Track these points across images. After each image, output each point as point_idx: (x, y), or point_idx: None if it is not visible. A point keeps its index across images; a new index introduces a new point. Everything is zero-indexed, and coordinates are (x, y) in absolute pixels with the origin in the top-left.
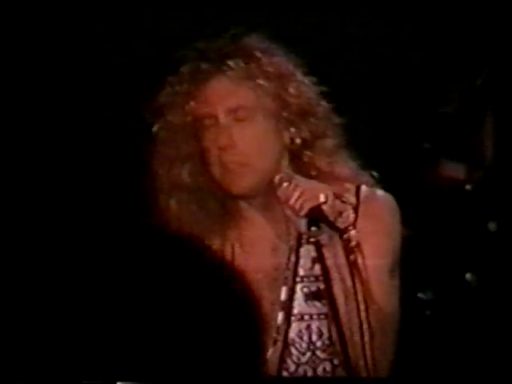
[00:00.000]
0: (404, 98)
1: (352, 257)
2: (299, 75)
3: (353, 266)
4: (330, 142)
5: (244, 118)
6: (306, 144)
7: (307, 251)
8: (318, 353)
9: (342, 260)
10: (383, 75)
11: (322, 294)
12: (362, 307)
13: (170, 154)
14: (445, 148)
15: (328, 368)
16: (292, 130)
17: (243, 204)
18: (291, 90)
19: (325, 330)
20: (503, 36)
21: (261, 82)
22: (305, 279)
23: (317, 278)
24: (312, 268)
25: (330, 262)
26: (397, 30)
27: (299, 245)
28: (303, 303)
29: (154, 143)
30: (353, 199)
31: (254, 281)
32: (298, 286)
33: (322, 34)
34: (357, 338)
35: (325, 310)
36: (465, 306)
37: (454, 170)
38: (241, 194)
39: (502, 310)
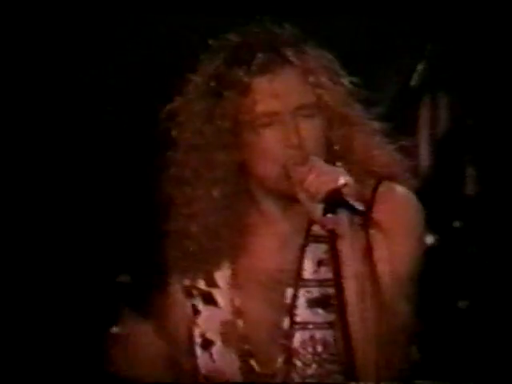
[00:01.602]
0: None
1: (369, 252)
2: (339, 71)
3: (370, 262)
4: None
5: (308, 115)
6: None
7: (313, 252)
8: (326, 365)
9: (359, 254)
10: None
11: (327, 301)
12: (374, 311)
13: (196, 171)
14: None
15: (340, 381)
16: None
17: (267, 204)
18: (335, 89)
19: (331, 340)
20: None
21: (319, 77)
22: (308, 283)
23: (321, 283)
24: (317, 271)
25: (344, 257)
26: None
27: (306, 243)
28: (306, 310)
29: (172, 157)
30: (368, 195)
31: (257, 282)
32: (301, 291)
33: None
34: (366, 344)
35: (330, 318)
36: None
37: None
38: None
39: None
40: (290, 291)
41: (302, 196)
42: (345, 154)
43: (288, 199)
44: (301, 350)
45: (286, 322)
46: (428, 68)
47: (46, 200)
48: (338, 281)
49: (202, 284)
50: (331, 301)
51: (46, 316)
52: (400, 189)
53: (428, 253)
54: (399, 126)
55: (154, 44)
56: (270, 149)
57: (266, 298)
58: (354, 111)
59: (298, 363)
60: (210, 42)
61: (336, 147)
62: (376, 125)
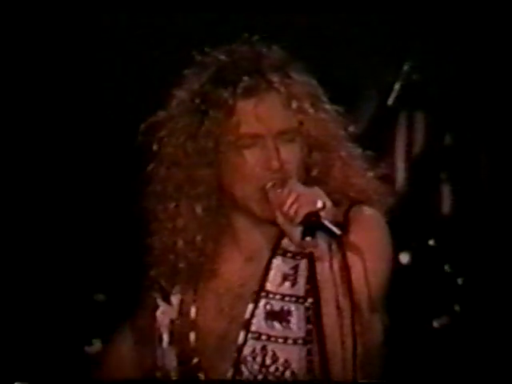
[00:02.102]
0: None
1: (347, 273)
2: (322, 97)
3: (348, 284)
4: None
5: (289, 139)
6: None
7: (279, 266)
8: (271, 378)
9: (338, 276)
10: None
11: (285, 317)
12: (351, 331)
13: (177, 188)
14: None
15: None
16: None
17: (238, 222)
18: (317, 116)
19: (280, 355)
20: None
21: (302, 103)
22: (270, 295)
23: (283, 298)
24: (280, 285)
25: (322, 278)
26: None
27: (273, 255)
28: (262, 321)
29: (153, 174)
30: (340, 217)
31: (217, 296)
32: (262, 302)
33: None
34: (340, 363)
35: (285, 333)
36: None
37: None
38: (272, 218)
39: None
40: (250, 307)
41: (280, 219)
42: (323, 179)
43: (265, 221)
44: (249, 359)
45: (241, 337)
46: (405, 87)
47: (22, 212)
48: (316, 302)
49: (163, 281)
50: (289, 317)
51: (22, 333)
52: (369, 210)
53: (403, 271)
54: (376, 144)
55: (137, 57)
56: (250, 170)
57: (223, 312)
58: (335, 138)
59: (245, 371)
60: (196, 57)
61: (314, 172)
62: (357, 152)
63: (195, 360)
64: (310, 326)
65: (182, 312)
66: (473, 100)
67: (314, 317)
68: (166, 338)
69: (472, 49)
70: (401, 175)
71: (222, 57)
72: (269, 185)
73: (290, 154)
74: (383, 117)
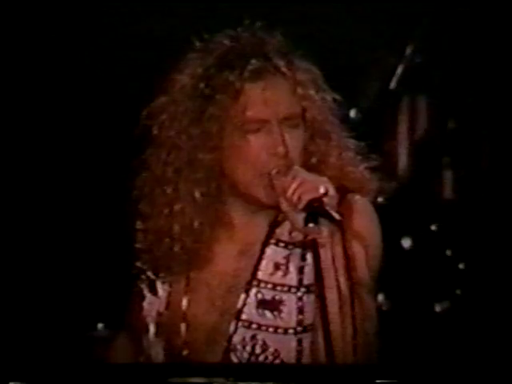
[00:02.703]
0: None
1: (349, 259)
2: (324, 85)
3: (349, 269)
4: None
5: (293, 125)
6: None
7: (272, 254)
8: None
9: (340, 262)
10: None
11: (277, 306)
12: (351, 317)
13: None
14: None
15: None
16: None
17: (234, 210)
18: (319, 103)
19: (270, 344)
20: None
21: (306, 90)
22: (262, 284)
23: (274, 287)
24: (272, 274)
25: (325, 265)
26: None
27: (266, 244)
28: (253, 310)
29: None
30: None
31: (208, 287)
32: (253, 291)
33: None
34: (341, 349)
35: (276, 322)
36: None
37: None
38: (276, 204)
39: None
40: (242, 297)
41: (284, 205)
42: (320, 168)
43: (268, 207)
44: (239, 347)
45: (232, 327)
46: (407, 71)
47: (19, 199)
48: (320, 289)
49: (149, 272)
50: (281, 306)
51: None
52: (361, 199)
53: (405, 256)
54: (378, 128)
55: (135, 42)
56: (255, 155)
57: (215, 305)
58: (334, 127)
59: (234, 359)
60: (196, 43)
61: (313, 160)
62: (351, 142)
63: (185, 352)
64: (301, 316)
65: (171, 304)
66: (476, 84)
67: (319, 303)
68: (152, 328)
69: (475, 32)
70: (403, 160)
71: (226, 41)
72: (274, 171)
73: (294, 140)
74: (385, 101)
